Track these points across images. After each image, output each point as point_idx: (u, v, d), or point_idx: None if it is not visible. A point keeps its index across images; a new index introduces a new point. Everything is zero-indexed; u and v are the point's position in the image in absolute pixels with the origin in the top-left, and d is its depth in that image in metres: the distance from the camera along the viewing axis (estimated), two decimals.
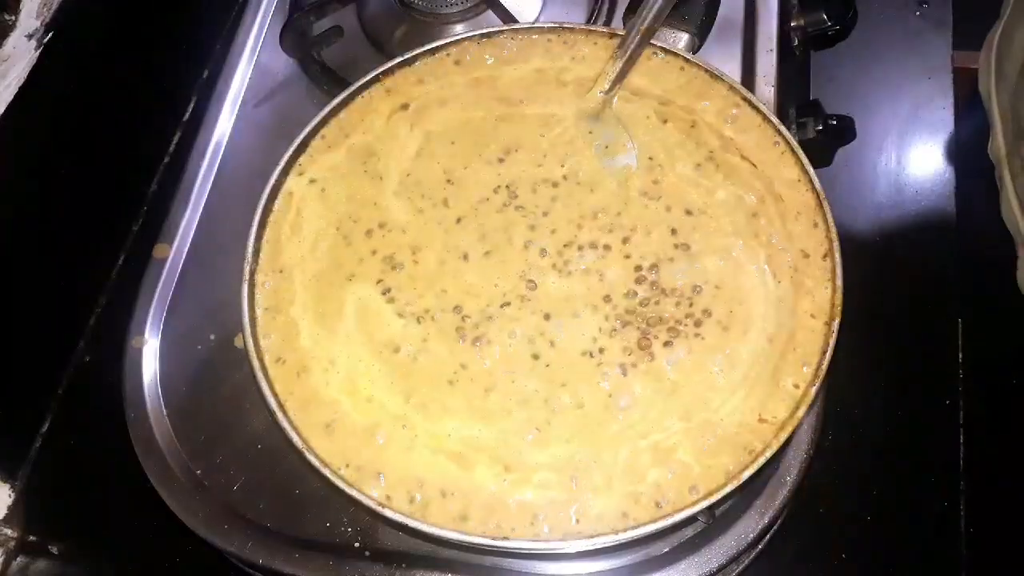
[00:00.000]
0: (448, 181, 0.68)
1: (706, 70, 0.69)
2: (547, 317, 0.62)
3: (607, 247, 0.65)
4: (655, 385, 0.60)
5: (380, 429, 0.60)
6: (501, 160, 0.69)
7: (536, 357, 0.61)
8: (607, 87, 0.69)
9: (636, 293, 0.63)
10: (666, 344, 0.61)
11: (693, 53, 0.73)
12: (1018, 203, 0.73)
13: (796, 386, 0.59)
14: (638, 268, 0.64)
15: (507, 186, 0.68)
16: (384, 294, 0.64)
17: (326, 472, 0.57)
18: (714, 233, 0.64)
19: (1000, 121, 0.77)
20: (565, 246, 0.65)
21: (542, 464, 0.58)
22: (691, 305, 0.62)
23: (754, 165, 0.66)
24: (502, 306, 0.63)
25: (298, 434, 0.58)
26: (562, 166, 0.68)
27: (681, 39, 0.74)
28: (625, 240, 0.65)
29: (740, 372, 0.59)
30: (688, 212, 0.65)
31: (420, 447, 0.59)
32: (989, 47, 0.82)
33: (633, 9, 0.76)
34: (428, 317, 0.63)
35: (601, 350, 0.61)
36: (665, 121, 0.69)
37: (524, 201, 0.67)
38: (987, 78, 0.81)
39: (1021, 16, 0.76)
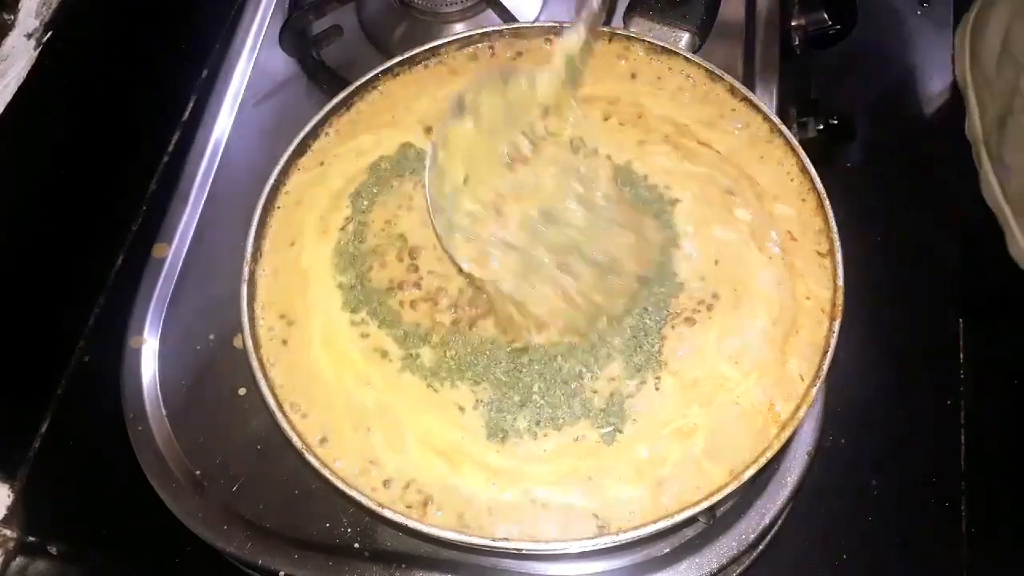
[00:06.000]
0: None
1: (706, 70, 0.69)
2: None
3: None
4: (671, 380, 0.60)
5: (380, 425, 0.59)
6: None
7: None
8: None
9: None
10: (682, 335, 0.61)
11: (694, 52, 0.73)
12: (997, 181, 0.75)
13: (801, 378, 0.59)
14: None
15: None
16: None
17: (326, 472, 0.57)
18: (704, 218, 0.65)
19: (976, 103, 0.79)
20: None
21: (544, 467, 0.58)
22: (701, 291, 0.62)
23: (718, 152, 0.67)
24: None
25: (297, 435, 0.58)
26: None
27: (682, 38, 0.74)
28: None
29: (751, 357, 0.60)
30: (676, 201, 0.66)
31: (417, 443, 0.59)
32: (963, 33, 0.84)
33: (634, 8, 0.76)
34: (430, 314, 0.63)
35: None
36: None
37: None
38: (962, 62, 0.83)
39: (993, 2, 0.77)
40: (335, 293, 0.64)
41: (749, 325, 0.61)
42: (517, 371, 0.60)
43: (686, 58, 0.70)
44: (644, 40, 0.70)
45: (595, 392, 0.60)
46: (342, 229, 0.66)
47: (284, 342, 0.62)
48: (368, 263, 0.65)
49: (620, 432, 0.58)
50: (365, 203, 0.67)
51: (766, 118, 0.67)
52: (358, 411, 0.60)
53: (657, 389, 0.59)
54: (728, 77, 0.69)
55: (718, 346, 0.61)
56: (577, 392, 0.60)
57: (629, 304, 0.62)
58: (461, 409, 0.60)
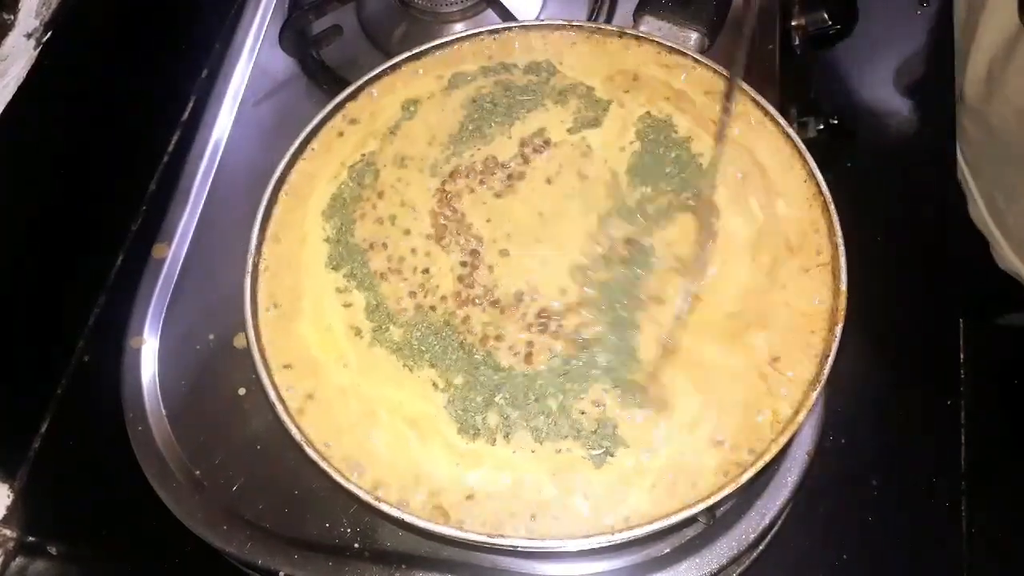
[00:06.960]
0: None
1: (713, 70, 0.69)
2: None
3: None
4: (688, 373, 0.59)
5: (380, 422, 0.59)
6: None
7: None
8: None
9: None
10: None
11: (703, 53, 0.73)
12: (984, 203, 0.75)
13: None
14: None
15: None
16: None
17: (326, 467, 0.56)
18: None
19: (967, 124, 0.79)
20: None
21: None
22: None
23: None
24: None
25: (301, 432, 0.58)
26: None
27: (691, 38, 0.74)
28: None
29: (749, 302, 0.60)
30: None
31: (415, 443, 0.59)
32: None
33: (643, 7, 0.75)
34: (432, 309, 0.63)
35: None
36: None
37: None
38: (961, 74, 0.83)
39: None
40: (322, 248, 0.65)
41: (739, 273, 0.61)
42: (473, 369, 0.59)
43: (694, 59, 0.70)
44: (653, 40, 0.70)
45: (583, 413, 0.58)
46: (351, 167, 0.67)
47: (284, 335, 0.62)
48: (353, 212, 0.65)
49: (612, 456, 0.57)
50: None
51: (772, 119, 0.67)
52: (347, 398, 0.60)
53: None
54: (736, 79, 0.68)
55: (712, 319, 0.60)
56: (562, 411, 0.58)
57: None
58: (435, 385, 0.60)
